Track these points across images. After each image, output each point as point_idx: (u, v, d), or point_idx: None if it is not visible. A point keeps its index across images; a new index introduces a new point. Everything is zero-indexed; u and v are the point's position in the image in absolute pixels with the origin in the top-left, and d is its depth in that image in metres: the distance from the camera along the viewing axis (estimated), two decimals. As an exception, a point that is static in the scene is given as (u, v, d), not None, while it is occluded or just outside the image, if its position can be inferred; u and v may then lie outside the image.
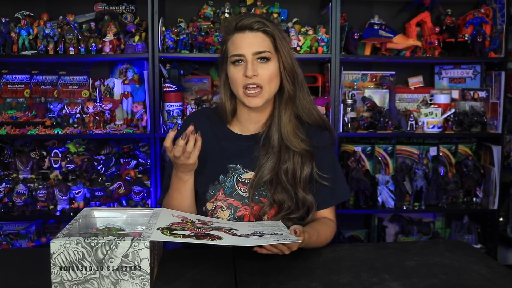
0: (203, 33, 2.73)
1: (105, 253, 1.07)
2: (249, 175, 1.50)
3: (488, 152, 2.95)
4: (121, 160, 2.90)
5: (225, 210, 1.50)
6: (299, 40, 2.74)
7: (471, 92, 2.99)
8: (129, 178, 2.84)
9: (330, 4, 2.70)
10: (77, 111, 2.73)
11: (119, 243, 1.07)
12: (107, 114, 2.75)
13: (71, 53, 2.67)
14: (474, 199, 2.94)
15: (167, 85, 2.72)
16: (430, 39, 2.86)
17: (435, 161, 2.98)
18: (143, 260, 1.08)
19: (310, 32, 2.81)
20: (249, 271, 1.25)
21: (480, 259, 1.34)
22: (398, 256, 1.37)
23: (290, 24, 2.85)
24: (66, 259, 1.07)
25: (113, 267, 1.08)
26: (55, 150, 2.83)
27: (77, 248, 1.07)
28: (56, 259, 1.08)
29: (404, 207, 2.87)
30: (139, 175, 2.89)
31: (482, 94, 2.98)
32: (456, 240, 2.63)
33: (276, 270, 1.26)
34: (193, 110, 2.74)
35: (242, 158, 1.51)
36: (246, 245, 1.17)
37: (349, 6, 2.90)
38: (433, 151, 2.98)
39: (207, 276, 1.22)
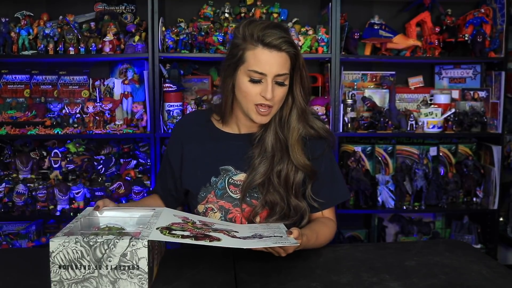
0: (203, 33, 2.73)
1: (103, 252, 1.07)
2: (241, 176, 1.49)
3: (488, 152, 2.95)
4: (121, 160, 2.90)
5: (216, 212, 1.50)
6: (299, 40, 2.74)
7: (471, 92, 2.99)
8: (129, 178, 2.84)
9: (330, 4, 2.70)
10: (77, 111, 2.73)
11: (117, 242, 1.07)
12: (107, 114, 2.75)
13: (71, 53, 2.67)
14: (474, 199, 2.94)
15: (167, 85, 2.72)
16: (430, 39, 2.86)
17: (435, 161, 2.98)
18: (141, 259, 1.08)
19: (310, 32, 2.81)
20: (249, 271, 1.25)
21: (480, 259, 1.34)
22: (398, 256, 1.37)
23: (290, 24, 2.85)
24: (65, 257, 1.08)
25: (111, 266, 1.08)
26: (55, 150, 2.83)
27: (76, 247, 1.07)
28: (55, 257, 1.08)
29: (404, 207, 2.86)
30: (139, 175, 2.89)
31: (482, 94, 2.97)
32: (456, 240, 2.62)
33: (276, 270, 1.26)
34: (193, 110, 2.74)
35: (234, 158, 1.50)
36: (244, 248, 1.17)
37: (349, 6, 2.90)
38: (433, 151, 2.98)
39: (207, 276, 1.22)
